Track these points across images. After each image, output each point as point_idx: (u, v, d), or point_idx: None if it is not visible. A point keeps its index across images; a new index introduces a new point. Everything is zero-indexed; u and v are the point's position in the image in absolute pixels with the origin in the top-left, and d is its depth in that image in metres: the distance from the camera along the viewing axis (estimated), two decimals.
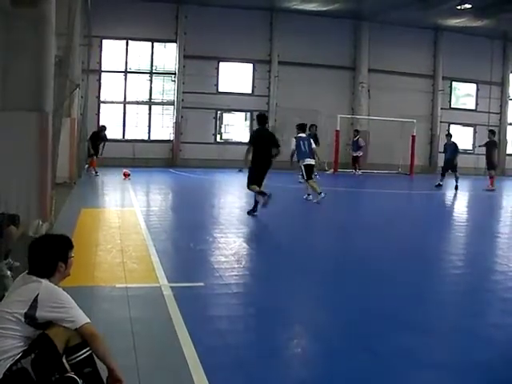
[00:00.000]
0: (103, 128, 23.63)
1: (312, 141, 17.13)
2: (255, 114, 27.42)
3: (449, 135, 23.90)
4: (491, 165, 23.07)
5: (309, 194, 16.69)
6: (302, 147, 16.35)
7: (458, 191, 21.84)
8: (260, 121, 14.00)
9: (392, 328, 6.13)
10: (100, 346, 3.92)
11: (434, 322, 6.46)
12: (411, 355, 5.35)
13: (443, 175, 22.92)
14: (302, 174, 16.49)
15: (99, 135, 23.15)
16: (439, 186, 22.66)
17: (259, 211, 13.32)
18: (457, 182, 22.34)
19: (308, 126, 19.07)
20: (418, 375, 4.96)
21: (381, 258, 9.83)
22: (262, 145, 13.29)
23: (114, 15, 26.03)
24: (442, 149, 24.86)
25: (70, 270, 4.16)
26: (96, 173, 22.28)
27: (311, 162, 16.43)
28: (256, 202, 13.45)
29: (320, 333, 6.01)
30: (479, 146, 25.22)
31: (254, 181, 13.29)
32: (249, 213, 13.44)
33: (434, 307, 7.07)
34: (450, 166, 22.81)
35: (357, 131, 28.29)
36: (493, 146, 23.29)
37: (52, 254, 4.05)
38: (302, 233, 12.28)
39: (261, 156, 13.27)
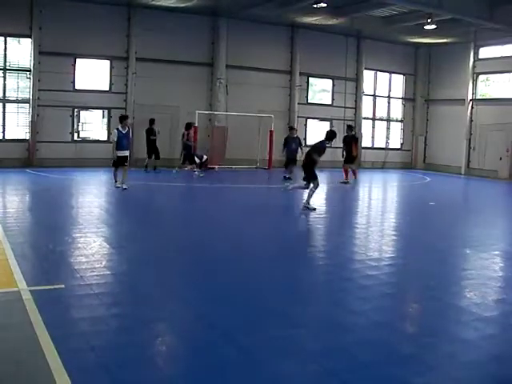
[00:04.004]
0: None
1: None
2: (113, 111, 27.24)
3: (293, 128, 25.68)
4: (349, 159, 23.99)
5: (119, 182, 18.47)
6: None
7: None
8: None
9: (256, 320, 6.29)
10: None
11: (298, 312, 6.69)
12: (276, 346, 5.53)
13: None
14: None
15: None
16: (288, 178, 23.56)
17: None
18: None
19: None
20: (282, 364, 5.14)
21: (244, 251, 10.03)
22: None
23: None
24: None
25: None
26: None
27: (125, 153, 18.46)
28: None
29: (184, 329, 6.08)
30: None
31: None
32: None
33: (297, 298, 7.32)
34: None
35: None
36: (352, 140, 24.17)
37: None
38: (160, 227, 12.27)
39: None
